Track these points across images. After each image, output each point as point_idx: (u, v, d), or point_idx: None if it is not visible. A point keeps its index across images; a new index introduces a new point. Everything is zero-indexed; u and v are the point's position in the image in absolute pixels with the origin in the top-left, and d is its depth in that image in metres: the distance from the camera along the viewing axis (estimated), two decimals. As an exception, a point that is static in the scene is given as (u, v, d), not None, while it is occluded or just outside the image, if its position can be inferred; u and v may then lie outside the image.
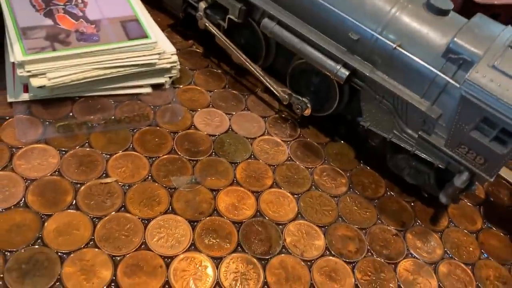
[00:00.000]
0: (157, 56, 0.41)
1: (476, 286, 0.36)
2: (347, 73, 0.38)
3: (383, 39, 0.36)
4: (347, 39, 0.38)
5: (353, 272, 0.35)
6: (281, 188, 0.39)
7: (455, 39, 0.34)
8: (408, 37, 0.36)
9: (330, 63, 0.39)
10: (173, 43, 0.47)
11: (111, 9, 0.43)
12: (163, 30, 0.48)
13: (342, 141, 0.44)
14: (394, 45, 0.35)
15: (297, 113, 0.43)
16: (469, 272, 0.37)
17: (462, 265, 0.37)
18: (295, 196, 0.39)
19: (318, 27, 0.39)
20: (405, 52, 0.35)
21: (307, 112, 0.43)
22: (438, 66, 0.35)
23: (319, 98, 0.43)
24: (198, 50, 0.49)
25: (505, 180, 0.44)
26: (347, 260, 0.35)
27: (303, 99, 0.43)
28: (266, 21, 0.41)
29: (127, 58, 0.40)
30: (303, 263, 0.35)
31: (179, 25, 0.50)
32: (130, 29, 0.42)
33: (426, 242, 0.38)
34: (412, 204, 0.41)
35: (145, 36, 0.42)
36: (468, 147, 0.35)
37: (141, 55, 0.41)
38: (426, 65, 0.35)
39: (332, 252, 0.36)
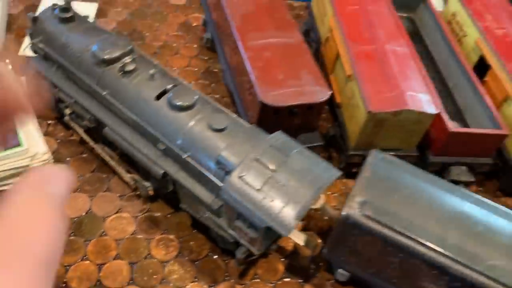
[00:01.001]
0: (29, 159, 0.54)
1: (262, 327, 0.49)
2: (161, 172, 0.50)
3: (179, 150, 0.48)
4: (159, 147, 0.50)
5: (163, 324, 0.48)
6: (121, 260, 0.52)
7: (221, 153, 0.46)
8: (197, 148, 0.48)
9: (150, 163, 0.51)
10: (56, 133, 0.59)
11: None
12: (49, 123, 0.61)
13: (183, 212, 0.56)
14: (185, 155, 0.48)
15: (142, 195, 0.56)
16: (260, 316, 0.50)
17: (255, 310, 0.50)
18: (133, 265, 0.51)
19: (142, 136, 0.51)
20: (192, 161, 0.48)
21: (151, 193, 0.55)
22: (215, 171, 0.47)
23: (159, 182, 0.55)
24: (76, 139, 0.61)
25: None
26: (161, 315, 0.48)
27: (146, 184, 0.55)
28: (106, 129, 0.53)
29: (4, 165, 0.53)
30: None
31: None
32: (9, 139, 0.54)
33: (230, 294, 0.51)
34: (226, 262, 0.53)
35: (18, 144, 0.54)
36: (238, 229, 0.47)
37: (14, 161, 0.53)
38: (206, 170, 0.47)
39: (151, 309, 0.49)
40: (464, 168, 0.62)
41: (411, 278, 0.46)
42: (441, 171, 0.62)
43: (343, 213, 0.45)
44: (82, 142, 0.61)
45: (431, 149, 0.61)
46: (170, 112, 0.49)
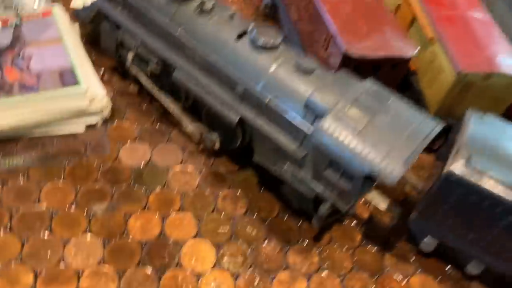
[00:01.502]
0: (87, 102, 0.50)
1: (341, 294, 0.44)
2: (237, 118, 0.46)
3: (260, 92, 0.44)
4: (237, 90, 0.46)
5: (235, 282, 0.43)
6: (186, 211, 0.47)
7: (312, 95, 0.42)
8: (281, 90, 0.43)
9: (224, 109, 0.46)
10: (112, 84, 0.55)
11: (52, 61, 0.51)
12: (105, 70, 0.57)
13: (250, 170, 0.52)
14: (268, 99, 0.43)
15: (207, 147, 0.51)
16: (339, 283, 0.45)
17: (334, 277, 0.45)
18: (198, 218, 0.47)
19: (218, 78, 0.47)
20: (277, 104, 0.43)
21: (216, 146, 0.51)
22: (301, 116, 0.42)
23: (227, 134, 0.50)
24: (133, 90, 0.57)
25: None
26: (234, 272, 0.43)
27: (212, 136, 0.50)
28: (176, 72, 0.49)
29: (61, 104, 0.49)
30: (193, 277, 0.43)
31: (118, 67, 0.58)
32: (66, 78, 0.50)
33: (305, 257, 0.46)
34: (299, 224, 0.48)
35: (77, 83, 0.50)
36: (326, 182, 0.42)
37: (72, 101, 0.49)
38: (292, 115, 0.43)
39: (222, 266, 0.44)
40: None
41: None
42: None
43: (447, 170, 0.40)
44: (140, 93, 0.57)
45: (514, 121, 0.57)
46: (252, 53, 0.45)
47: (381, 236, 0.49)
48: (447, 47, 0.53)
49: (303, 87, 0.43)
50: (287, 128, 0.44)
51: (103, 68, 0.58)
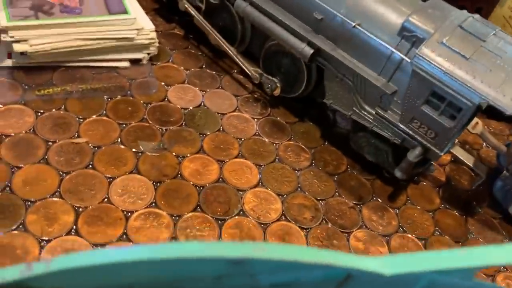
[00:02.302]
0: (135, 32, 0.44)
1: (426, 258, 0.38)
2: (311, 51, 0.40)
3: (344, 18, 0.38)
4: (312, 19, 0.40)
5: (306, 237, 0.37)
6: (245, 159, 0.41)
7: (409, 18, 0.36)
8: (367, 16, 0.38)
9: (296, 42, 0.41)
10: (156, 25, 0.49)
11: (95, -15, 0.46)
12: (147, 13, 0.51)
13: (310, 122, 0.46)
14: (354, 24, 0.38)
15: (267, 92, 0.45)
16: (421, 246, 0.39)
17: (415, 239, 0.39)
18: (258, 167, 0.41)
19: (286, 7, 0.41)
20: (364, 31, 0.37)
21: (277, 91, 0.45)
22: (393, 44, 0.37)
23: (289, 79, 0.45)
24: (179, 33, 0.51)
25: (466, 166, 0.45)
26: (302, 226, 0.37)
27: (274, 79, 0.45)
28: (238, 1, 0.43)
29: (107, 31, 0.42)
30: (258, 225, 0.36)
31: (163, 8, 0.53)
32: (112, 4, 0.44)
33: (382, 216, 0.40)
34: (371, 181, 0.42)
35: (125, 11, 0.44)
36: (420, 121, 0.36)
37: (120, 30, 0.43)
38: (382, 42, 0.37)
39: (288, 218, 0.37)
40: None
41: None
42: None
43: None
44: (186, 37, 0.51)
45: None
46: (332, -23, 0.39)
47: (462, 199, 0.43)
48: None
49: (395, 12, 0.37)
50: (374, 61, 0.38)
51: (147, 11, 0.52)
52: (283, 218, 0.37)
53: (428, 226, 0.40)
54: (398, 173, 0.39)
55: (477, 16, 0.37)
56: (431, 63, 0.34)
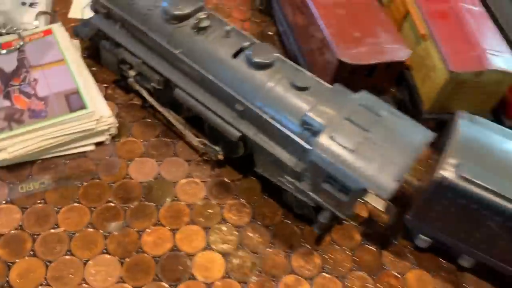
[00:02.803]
0: (94, 123, 0.52)
1: (343, 294, 0.48)
2: (238, 134, 0.48)
3: (258, 111, 0.46)
4: (236, 108, 0.48)
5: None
6: (195, 224, 0.50)
7: (307, 113, 0.43)
8: (279, 108, 0.45)
9: (226, 126, 0.49)
10: (115, 98, 0.57)
11: (57, 84, 0.53)
12: (108, 86, 0.59)
13: (252, 177, 0.54)
14: (266, 117, 0.45)
15: (212, 158, 0.54)
16: (340, 283, 0.48)
17: (335, 278, 0.48)
18: (206, 230, 0.50)
19: (217, 96, 0.49)
20: (274, 123, 0.45)
21: (220, 157, 0.53)
22: (298, 133, 0.45)
23: (231, 145, 0.52)
24: (137, 102, 0.59)
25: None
26: (241, 280, 0.47)
27: (215, 147, 0.53)
28: (177, 90, 0.51)
29: (70, 127, 0.51)
30: (205, 286, 0.46)
31: (123, 80, 0.60)
32: (72, 101, 0.52)
33: (308, 261, 0.49)
34: (302, 228, 0.51)
35: (84, 107, 0.52)
36: (324, 194, 0.45)
37: (81, 123, 0.51)
38: (289, 133, 0.45)
39: (231, 276, 0.47)
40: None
41: (505, 244, 0.44)
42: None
43: (437, 175, 0.43)
44: (143, 106, 0.59)
45: (506, 113, 0.59)
46: (249, 71, 0.46)
47: (379, 234, 0.52)
48: (438, 45, 0.55)
49: (299, 104, 0.45)
50: (286, 144, 0.46)
51: (107, 84, 0.60)
52: (226, 276, 0.47)
53: (347, 265, 0.50)
54: (316, 229, 0.48)
55: (368, 100, 0.44)
56: (323, 153, 0.42)
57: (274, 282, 0.47)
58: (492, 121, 0.58)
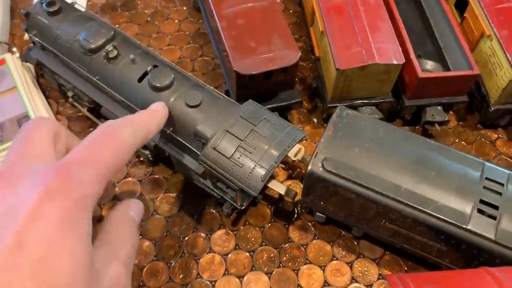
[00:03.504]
0: (43, 141, 0.62)
1: (252, 266, 0.58)
2: (153, 143, 0.58)
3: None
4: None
5: (169, 268, 0.58)
6: (131, 218, 0.61)
7: (197, 127, 0.52)
8: (178, 124, 0.54)
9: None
10: (65, 112, 0.68)
11: (10, 111, 0.64)
12: (58, 102, 0.69)
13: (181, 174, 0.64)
14: (168, 131, 0.55)
15: (144, 160, 0.64)
16: (248, 257, 0.58)
17: (246, 253, 0.59)
18: (143, 222, 0.61)
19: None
20: (175, 135, 0.54)
21: (151, 159, 0.63)
22: (194, 143, 0.54)
23: (156, 150, 0.62)
24: (83, 115, 0.69)
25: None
26: (167, 261, 0.58)
27: (145, 151, 0.63)
28: (103, 109, 0.60)
29: (22, 148, 0.62)
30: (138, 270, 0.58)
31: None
32: (22, 124, 0.63)
33: (225, 240, 0.59)
34: (221, 213, 0.61)
35: (33, 128, 0.62)
36: (221, 190, 0.54)
37: (32, 144, 0.62)
38: (187, 143, 0.54)
39: (158, 258, 0.58)
40: (439, 108, 0.65)
41: (374, 220, 0.53)
42: (418, 113, 0.66)
43: (308, 169, 0.51)
44: (88, 118, 0.69)
45: (405, 93, 0.65)
46: (152, 93, 0.55)
47: (287, 212, 0.62)
48: (331, 42, 0.61)
49: (192, 120, 0.53)
50: (188, 151, 0.55)
51: (57, 101, 0.70)
52: (155, 259, 0.58)
53: (257, 239, 0.60)
54: (224, 216, 0.58)
55: (248, 111, 0.52)
56: (208, 161, 0.51)
57: (194, 260, 0.58)
58: (392, 101, 0.66)
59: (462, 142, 0.68)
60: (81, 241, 0.32)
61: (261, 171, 0.50)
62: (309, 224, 0.61)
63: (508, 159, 0.67)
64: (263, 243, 0.60)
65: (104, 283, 0.34)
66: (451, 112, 0.70)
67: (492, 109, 0.65)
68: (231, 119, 0.52)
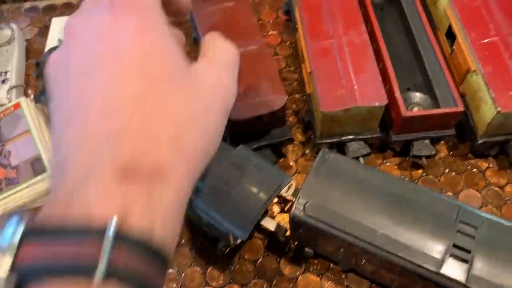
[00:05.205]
0: (54, 182, 0.68)
1: (245, 298, 0.62)
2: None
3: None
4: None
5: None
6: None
7: (187, 176, 0.56)
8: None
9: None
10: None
11: (25, 153, 0.70)
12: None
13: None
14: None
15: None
16: (244, 289, 0.63)
17: (240, 287, 0.63)
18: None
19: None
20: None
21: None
22: (186, 189, 0.58)
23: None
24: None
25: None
26: (167, 294, 0.63)
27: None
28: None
29: (35, 189, 0.67)
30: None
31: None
32: (36, 166, 0.69)
33: (219, 275, 0.64)
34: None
35: (45, 170, 0.68)
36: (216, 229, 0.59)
37: (43, 185, 0.68)
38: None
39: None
40: (426, 141, 0.67)
41: (357, 258, 0.56)
42: (406, 147, 0.68)
43: (291, 213, 0.55)
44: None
45: (392, 129, 0.67)
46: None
47: (279, 245, 0.65)
48: (316, 84, 0.64)
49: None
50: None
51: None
52: None
53: (250, 274, 0.63)
54: (219, 252, 0.62)
55: (236, 160, 0.56)
56: (201, 212, 0.55)
57: None
58: (380, 136, 0.68)
59: (453, 173, 0.70)
60: (168, 42, 0.35)
61: (249, 217, 0.53)
62: (299, 257, 0.65)
63: (497, 189, 0.68)
64: (256, 277, 0.64)
65: (203, 85, 0.37)
66: (442, 141, 0.72)
67: (479, 141, 0.66)
68: (221, 165, 0.55)
